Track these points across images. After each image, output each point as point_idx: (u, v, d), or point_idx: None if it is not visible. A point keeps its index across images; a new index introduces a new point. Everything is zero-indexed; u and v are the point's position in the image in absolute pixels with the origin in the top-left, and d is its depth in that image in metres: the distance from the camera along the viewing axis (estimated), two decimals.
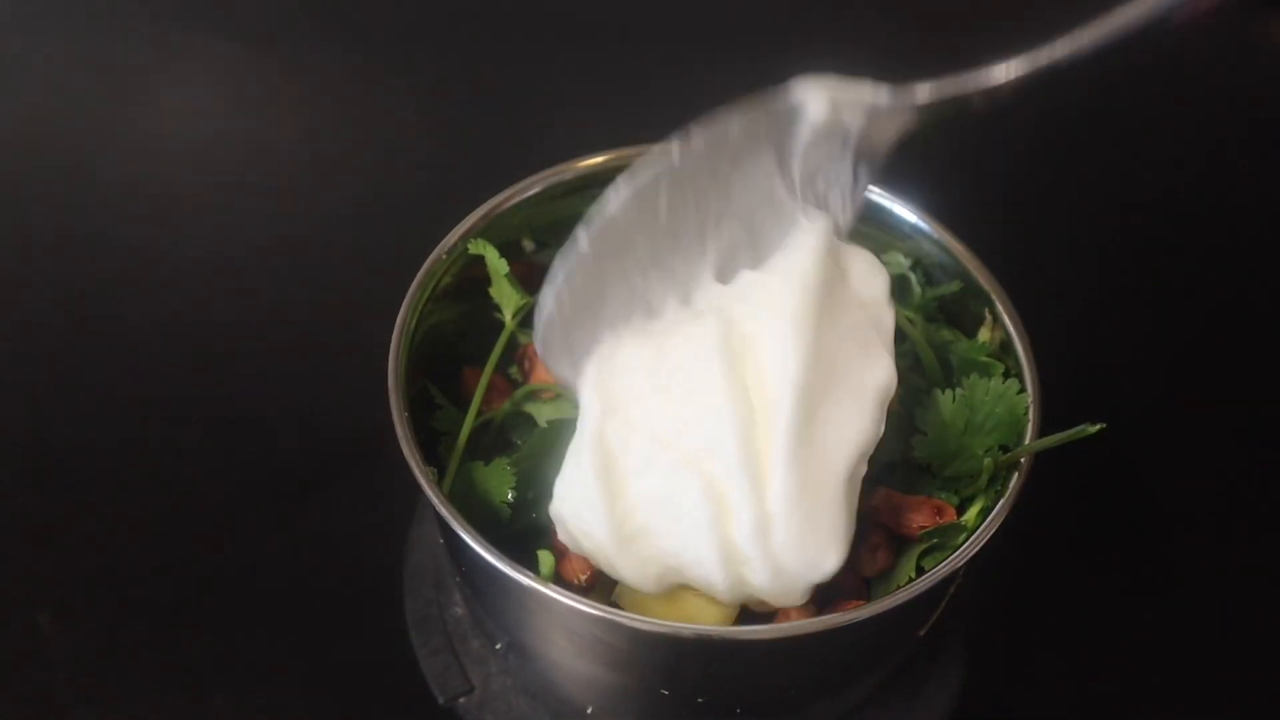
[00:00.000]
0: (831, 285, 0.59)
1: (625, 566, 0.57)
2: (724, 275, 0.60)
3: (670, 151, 0.57)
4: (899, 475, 0.65)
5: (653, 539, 0.56)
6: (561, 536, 0.60)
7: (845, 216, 0.61)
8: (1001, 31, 0.55)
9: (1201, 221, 1.03)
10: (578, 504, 0.57)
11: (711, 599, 0.59)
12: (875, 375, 0.58)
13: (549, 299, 0.58)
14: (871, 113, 0.57)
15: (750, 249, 0.60)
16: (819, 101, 0.57)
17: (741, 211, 0.59)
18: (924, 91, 0.55)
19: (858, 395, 0.57)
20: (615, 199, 0.57)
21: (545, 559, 0.62)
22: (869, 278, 0.61)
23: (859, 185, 0.60)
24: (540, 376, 0.69)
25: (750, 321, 0.57)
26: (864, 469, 0.58)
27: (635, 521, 0.56)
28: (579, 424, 0.59)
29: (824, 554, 0.55)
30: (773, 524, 0.54)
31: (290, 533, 0.79)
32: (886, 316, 0.61)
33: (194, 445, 0.83)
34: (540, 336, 0.59)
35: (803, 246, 0.59)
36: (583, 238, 0.57)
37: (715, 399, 0.55)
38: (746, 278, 0.60)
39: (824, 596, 0.61)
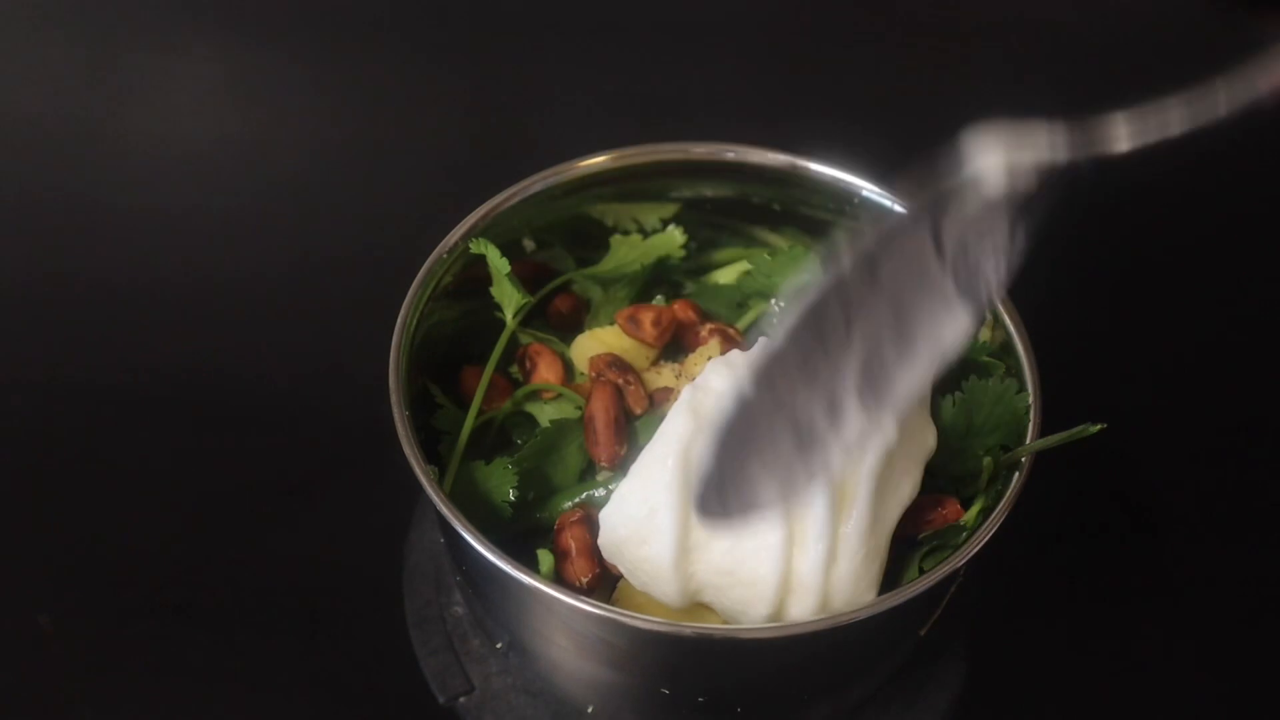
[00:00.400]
0: None
1: (670, 579, 0.57)
2: (869, 372, 0.52)
3: (839, 260, 0.50)
4: None
5: (712, 556, 0.57)
6: (604, 539, 0.59)
7: (998, 284, 0.53)
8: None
9: (1201, 221, 1.03)
10: (648, 510, 0.57)
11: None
12: (927, 439, 0.61)
13: (709, 459, 0.50)
14: (1049, 170, 0.50)
15: (896, 339, 0.52)
16: (995, 170, 0.50)
17: (889, 295, 0.52)
18: (1117, 133, 0.49)
19: (914, 455, 0.60)
20: (781, 331, 0.50)
21: (544, 558, 0.62)
22: None
23: (1015, 246, 0.52)
24: (541, 376, 0.69)
25: None
26: (895, 525, 0.59)
27: (700, 534, 0.56)
28: (660, 437, 0.58)
29: (866, 596, 0.57)
30: (839, 557, 0.56)
31: (290, 533, 0.79)
32: (928, 390, 0.63)
33: (194, 445, 0.83)
34: (699, 499, 0.51)
35: None
36: (746, 380, 0.50)
37: None
38: None
39: None
